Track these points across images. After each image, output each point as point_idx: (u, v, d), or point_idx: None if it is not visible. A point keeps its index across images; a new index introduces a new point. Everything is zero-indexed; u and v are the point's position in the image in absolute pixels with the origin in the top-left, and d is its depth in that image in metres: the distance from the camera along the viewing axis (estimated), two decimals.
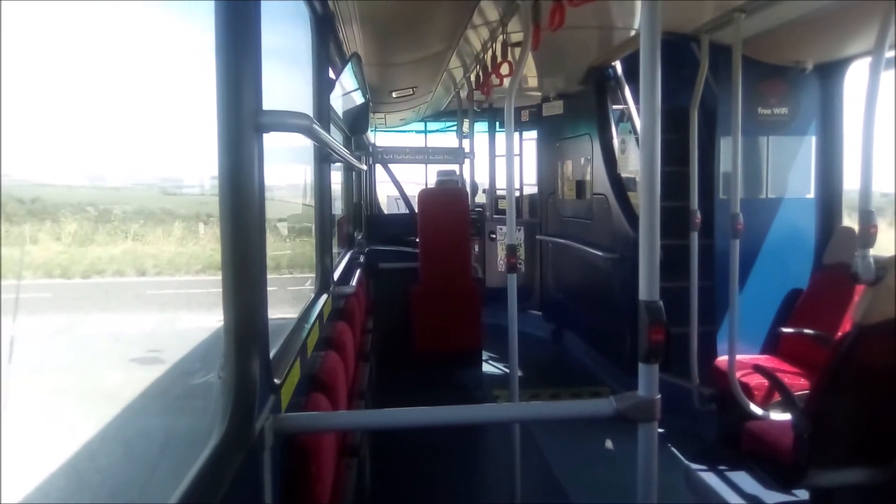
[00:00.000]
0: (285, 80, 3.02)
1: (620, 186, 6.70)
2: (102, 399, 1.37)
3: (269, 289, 1.76)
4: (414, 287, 7.07)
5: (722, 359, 5.10)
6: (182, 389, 1.76)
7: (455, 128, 9.97)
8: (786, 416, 3.99)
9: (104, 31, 1.28)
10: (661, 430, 2.04)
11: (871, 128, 3.43)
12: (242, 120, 1.56)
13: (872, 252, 3.36)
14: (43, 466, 1.08)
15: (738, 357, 4.81)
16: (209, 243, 1.79)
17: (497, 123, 10.15)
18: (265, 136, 1.69)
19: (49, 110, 1.12)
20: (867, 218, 3.43)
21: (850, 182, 5.58)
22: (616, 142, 7.03)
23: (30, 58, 1.03)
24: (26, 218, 1.08)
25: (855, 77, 5.42)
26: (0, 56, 0.86)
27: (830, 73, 5.52)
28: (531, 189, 9.95)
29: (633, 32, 5.64)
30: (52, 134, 1.14)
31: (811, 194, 5.71)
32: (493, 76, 5.73)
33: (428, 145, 11.66)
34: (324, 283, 3.68)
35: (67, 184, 1.27)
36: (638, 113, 6.41)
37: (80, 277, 1.33)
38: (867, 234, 3.41)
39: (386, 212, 11.82)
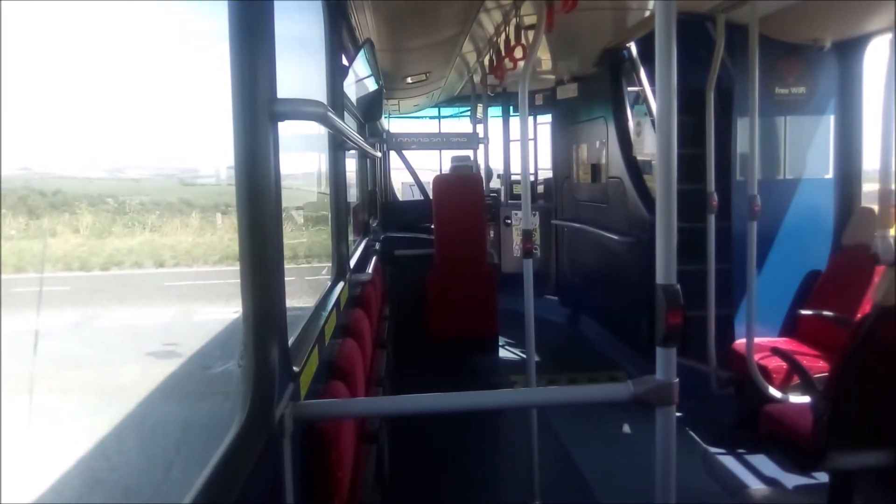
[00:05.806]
0: (298, 67, 3.02)
1: (636, 169, 6.65)
2: (127, 389, 1.39)
3: (286, 278, 1.77)
4: (430, 273, 7.09)
5: (740, 342, 5.07)
6: (203, 378, 1.78)
7: (469, 113, 9.93)
8: (805, 399, 3.97)
9: (121, 24, 1.28)
10: (678, 414, 2.03)
11: (891, 106, 3.38)
12: (257, 109, 1.57)
13: (893, 232, 3.32)
14: (74, 453, 1.10)
15: (756, 340, 4.78)
16: (226, 233, 1.80)
17: (511, 108, 10.11)
18: (280, 124, 1.70)
19: (69, 103, 1.12)
20: (887, 198, 3.39)
21: (870, 162, 5.51)
22: (631, 124, 6.96)
23: (50, 53, 1.04)
24: (48, 211, 1.09)
25: (874, 54, 5.34)
26: (1, 52, 0.87)
27: (849, 50, 5.42)
28: (546, 173, 9.91)
29: (647, 13, 5.57)
30: (72, 126, 1.15)
31: (830, 175, 5.63)
32: (507, 60, 5.70)
33: (442, 131, 11.64)
34: (340, 270, 3.69)
35: (87, 176, 1.28)
36: (653, 95, 6.34)
37: (100, 270, 1.34)
38: (887, 215, 3.37)
39: (401, 199, 11.82)
